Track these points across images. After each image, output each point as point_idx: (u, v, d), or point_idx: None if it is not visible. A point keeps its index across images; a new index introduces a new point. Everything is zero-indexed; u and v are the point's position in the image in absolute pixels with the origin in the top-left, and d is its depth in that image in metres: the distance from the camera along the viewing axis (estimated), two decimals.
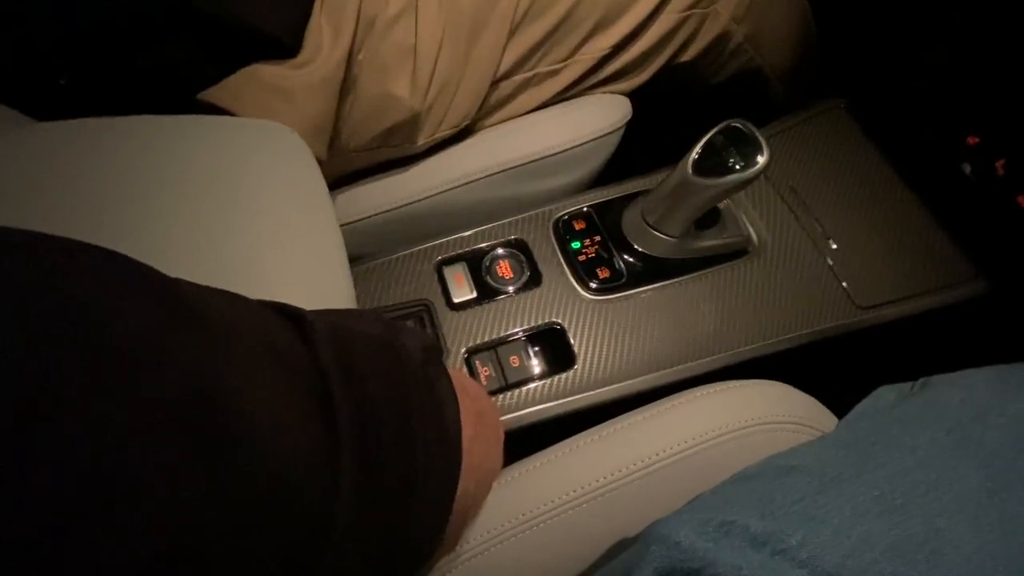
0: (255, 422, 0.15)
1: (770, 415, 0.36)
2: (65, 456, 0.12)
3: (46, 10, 0.30)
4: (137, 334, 0.14)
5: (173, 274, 0.17)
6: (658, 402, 0.37)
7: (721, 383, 0.37)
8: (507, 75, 0.45)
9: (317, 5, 0.37)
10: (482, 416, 0.28)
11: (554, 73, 0.47)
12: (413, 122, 0.42)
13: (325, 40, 0.37)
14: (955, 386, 0.33)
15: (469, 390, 0.27)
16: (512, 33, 0.43)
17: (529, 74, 0.46)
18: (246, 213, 0.27)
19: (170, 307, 0.16)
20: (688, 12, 0.48)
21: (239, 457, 0.15)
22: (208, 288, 0.19)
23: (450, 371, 0.27)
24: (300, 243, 0.28)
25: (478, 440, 0.26)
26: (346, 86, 0.39)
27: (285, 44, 0.36)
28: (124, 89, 0.34)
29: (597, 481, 0.33)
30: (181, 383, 0.14)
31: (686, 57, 0.51)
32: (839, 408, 0.37)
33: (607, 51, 0.47)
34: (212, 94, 0.36)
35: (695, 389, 0.37)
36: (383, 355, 0.21)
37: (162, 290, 0.16)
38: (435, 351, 0.25)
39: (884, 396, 0.35)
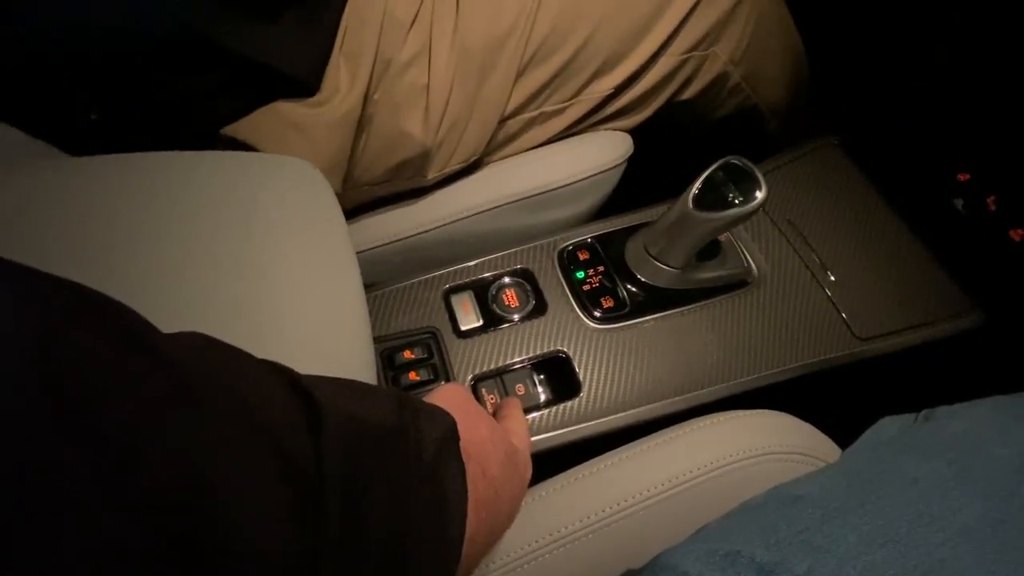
0: (238, 523, 0.15)
1: (774, 445, 0.36)
2: (48, 552, 0.12)
3: (77, 49, 0.32)
4: (133, 419, 0.14)
5: (196, 307, 0.17)
6: (662, 432, 0.37)
7: (724, 413, 0.38)
8: (514, 114, 0.47)
9: (336, 47, 0.39)
10: (512, 456, 0.28)
11: (559, 112, 0.49)
12: (424, 157, 0.44)
13: (343, 81, 0.40)
14: (956, 417, 0.33)
15: (494, 451, 0.27)
16: (519, 75, 0.45)
17: (535, 113, 0.48)
18: (268, 244, 0.28)
19: (173, 382, 0.15)
20: (688, 55, 0.51)
21: (217, 559, 0.15)
22: (218, 356, 0.18)
23: (477, 424, 0.27)
24: (320, 273, 0.29)
25: (486, 517, 0.26)
26: (361, 124, 0.41)
27: (306, 84, 0.38)
28: (151, 123, 0.36)
29: (603, 511, 0.33)
30: (169, 474, 0.14)
31: (686, 96, 0.54)
32: (840, 437, 0.37)
33: (610, 91, 0.49)
34: (235, 129, 0.38)
35: (699, 419, 0.38)
36: (390, 450, 0.21)
37: (166, 364, 0.16)
38: (451, 437, 0.24)
39: (887, 427, 0.35)
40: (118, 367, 0.15)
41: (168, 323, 0.18)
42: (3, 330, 0.13)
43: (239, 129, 0.38)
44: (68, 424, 0.13)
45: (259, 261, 0.27)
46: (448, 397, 0.28)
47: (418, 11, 0.41)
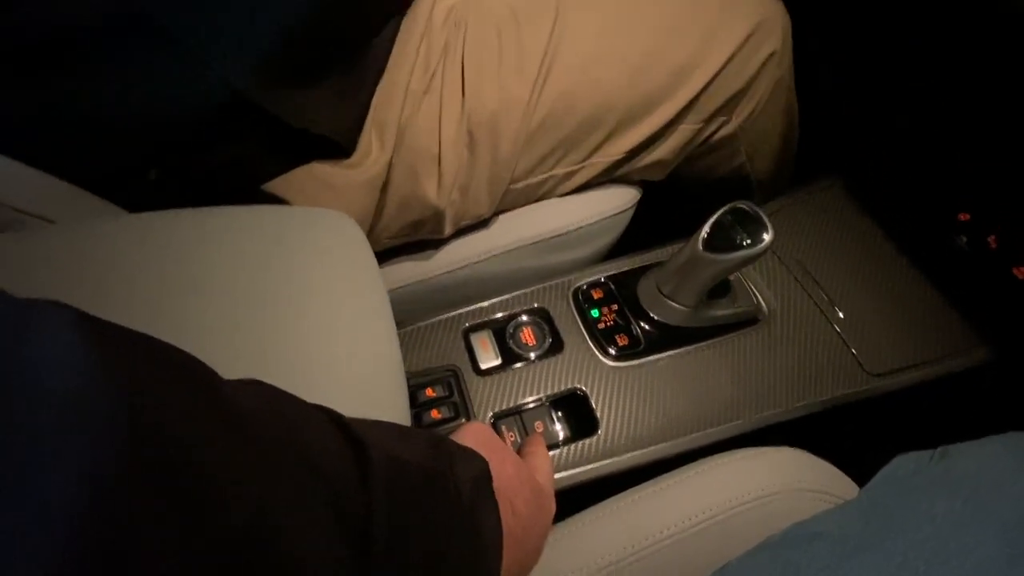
0: (302, 566, 0.16)
1: (791, 483, 0.37)
2: None
3: (142, 116, 0.35)
4: (209, 470, 0.15)
5: (247, 353, 0.18)
6: (679, 470, 0.38)
7: (741, 450, 0.39)
8: (524, 176, 0.49)
9: (369, 116, 0.43)
10: (537, 493, 0.29)
11: (569, 175, 0.50)
12: (439, 217, 0.47)
13: (374, 146, 0.43)
14: (972, 455, 0.34)
15: (521, 489, 0.28)
16: (528, 141, 0.47)
17: (545, 176, 0.49)
18: (311, 291, 0.30)
19: (241, 437, 0.17)
20: (703, 123, 0.51)
21: None
22: (277, 403, 0.20)
23: (504, 463, 0.28)
24: (358, 318, 0.31)
25: (516, 553, 0.27)
26: (384, 185, 0.44)
27: (342, 147, 0.42)
28: (202, 182, 0.39)
29: (623, 550, 0.33)
30: (241, 519, 0.15)
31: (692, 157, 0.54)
32: (856, 472, 0.38)
33: (620, 156, 0.50)
34: (274, 186, 0.41)
35: (715, 457, 0.38)
36: (431, 494, 0.22)
37: (234, 417, 0.17)
38: (484, 478, 0.25)
39: (904, 464, 0.36)
40: (196, 420, 0.16)
41: (224, 370, 0.20)
42: (97, 386, 0.14)
43: (278, 186, 0.41)
44: (155, 478, 0.14)
45: (302, 307, 0.29)
46: (475, 436, 0.29)
47: (430, 83, 0.44)
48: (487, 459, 0.27)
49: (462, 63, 0.45)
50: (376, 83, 0.43)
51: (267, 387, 0.21)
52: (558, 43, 0.46)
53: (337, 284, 0.31)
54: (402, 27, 0.44)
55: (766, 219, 0.42)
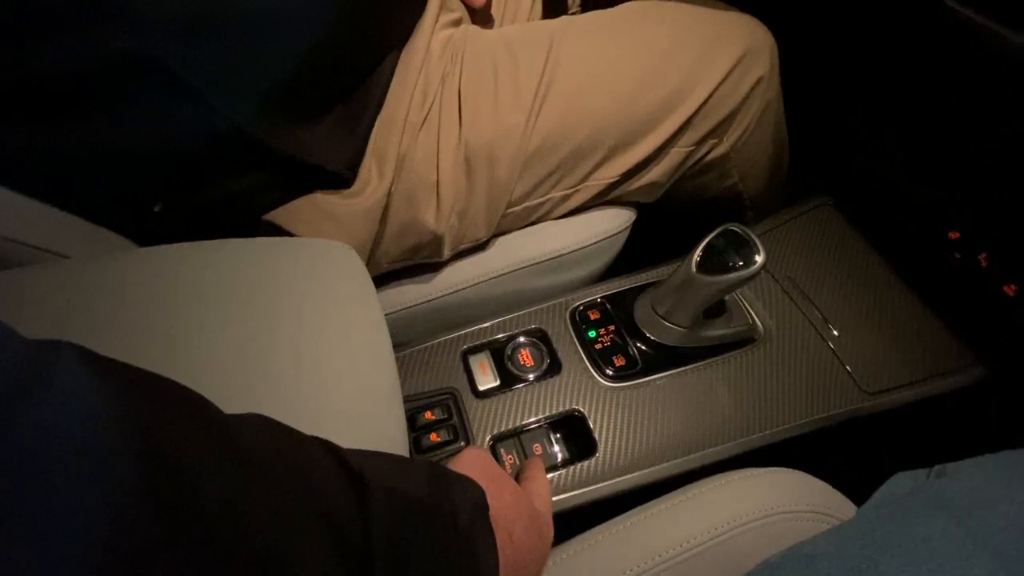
0: None
1: (789, 504, 0.37)
2: None
3: (150, 153, 0.36)
4: (219, 508, 0.16)
5: (248, 387, 0.19)
6: (677, 492, 0.38)
7: (739, 471, 0.39)
8: (520, 200, 0.50)
9: (369, 147, 0.44)
10: (535, 520, 0.29)
11: (565, 198, 0.51)
12: (437, 242, 0.48)
13: (373, 175, 0.44)
14: (966, 474, 0.34)
15: (518, 516, 0.28)
16: (524, 166, 0.48)
17: (542, 199, 0.51)
18: (312, 322, 0.31)
19: (249, 475, 0.18)
20: (696, 146, 0.52)
21: None
22: (279, 437, 0.21)
23: (502, 490, 0.28)
24: (357, 348, 0.32)
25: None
26: (384, 213, 0.45)
27: (343, 178, 0.43)
28: (208, 213, 0.40)
29: (622, 574, 0.33)
30: (250, 546, 0.16)
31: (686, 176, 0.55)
32: (853, 490, 0.38)
33: (614, 179, 0.51)
34: (275, 216, 0.42)
35: (713, 478, 0.39)
36: (430, 525, 0.23)
37: (241, 449, 0.18)
38: (482, 507, 0.26)
39: (900, 484, 0.36)
40: (204, 454, 0.17)
41: (227, 399, 0.20)
42: (116, 424, 0.15)
43: (280, 216, 0.42)
44: (167, 506, 0.15)
45: (302, 338, 0.29)
46: (472, 464, 0.30)
47: (427, 113, 0.45)
48: (485, 487, 0.27)
49: (459, 93, 0.46)
50: (376, 115, 0.44)
51: (269, 422, 0.21)
52: (552, 73, 0.48)
53: (336, 315, 0.32)
54: (400, 60, 0.45)
55: (757, 241, 0.43)
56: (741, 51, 0.50)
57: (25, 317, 0.15)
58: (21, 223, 0.32)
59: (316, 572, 0.18)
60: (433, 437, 0.45)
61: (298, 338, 0.30)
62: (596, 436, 0.44)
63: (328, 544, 0.18)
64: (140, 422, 0.16)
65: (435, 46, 0.47)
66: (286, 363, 0.30)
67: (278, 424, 0.21)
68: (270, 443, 0.20)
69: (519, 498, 0.30)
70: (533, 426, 0.45)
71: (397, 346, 0.51)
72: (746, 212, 0.62)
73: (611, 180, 0.51)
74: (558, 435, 0.45)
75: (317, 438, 0.22)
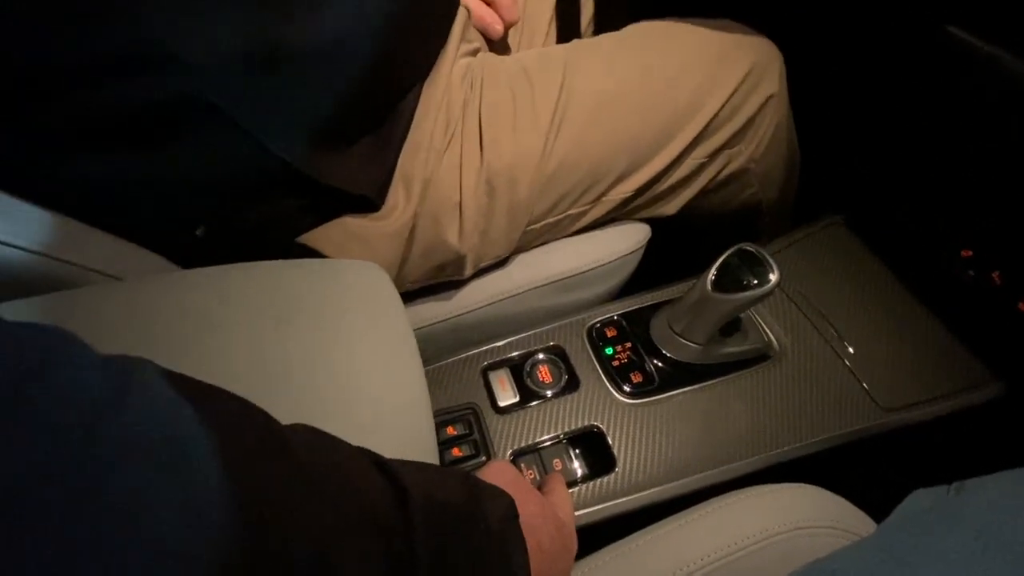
0: None
1: (809, 519, 0.37)
2: None
3: (197, 184, 0.39)
4: (281, 510, 0.18)
5: (292, 400, 0.21)
6: (696, 508, 0.39)
7: (757, 487, 0.39)
8: (540, 218, 0.52)
9: (396, 172, 0.46)
10: (560, 530, 0.30)
11: (582, 214, 0.53)
12: (460, 260, 0.50)
13: (400, 199, 0.46)
14: (985, 490, 0.35)
15: (544, 525, 0.29)
16: (544, 187, 0.50)
17: (561, 216, 0.52)
18: (347, 339, 0.33)
19: (303, 476, 0.19)
20: (711, 157, 0.54)
21: None
22: (326, 447, 0.22)
23: (528, 500, 0.29)
24: (389, 362, 0.34)
25: None
26: (409, 234, 0.47)
27: (372, 202, 0.45)
28: (245, 236, 0.42)
29: None
30: (306, 554, 0.18)
31: (708, 189, 0.57)
32: (871, 507, 0.38)
33: (631, 194, 0.53)
34: (307, 238, 0.44)
35: (731, 494, 0.39)
36: (467, 531, 0.24)
37: (297, 458, 0.20)
38: (513, 515, 0.27)
39: (919, 500, 0.36)
40: (265, 464, 0.18)
41: (273, 411, 0.21)
42: (192, 434, 0.17)
43: (312, 238, 0.44)
44: (243, 514, 0.17)
45: (339, 353, 0.31)
46: (500, 475, 0.31)
47: (450, 139, 0.47)
48: (513, 497, 0.28)
49: (479, 119, 0.48)
50: (403, 142, 0.46)
51: (317, 432, 0.23)
52: (568, 96, 0.50)
53: (370, 331, 0.34)
54: (424, 89, 0.47)
55: (771, 260, 0.44)
56: (748, 66, 0.52)
57: (88, 334, 0.17)
58: (78, 247, 0.35)
59: (362, 566, 0.19)
60: (455, 452, 0.46)
61: (334, 352, 0.31)
62: (615, 452, 0.45)
63: (375, 550, 0.20)
64: (214, 434, 0.17)
65: (455, 75, 0.49)
66: (326, 378, 0.31)
67: (324, 434, 0.23)
68: (321, 455, 0.21)
69: (544, 508, 0.31)
70: (552, 442, 0.46)
71: (422, 362, 0.52)
72: (762, 224, 0.63)
73: (628, 195, 0.53)
74: (577, 451, 0.46)
75: (360, 448, 0.23)
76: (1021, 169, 0.47)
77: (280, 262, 0.36)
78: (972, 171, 0.52)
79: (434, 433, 0.34)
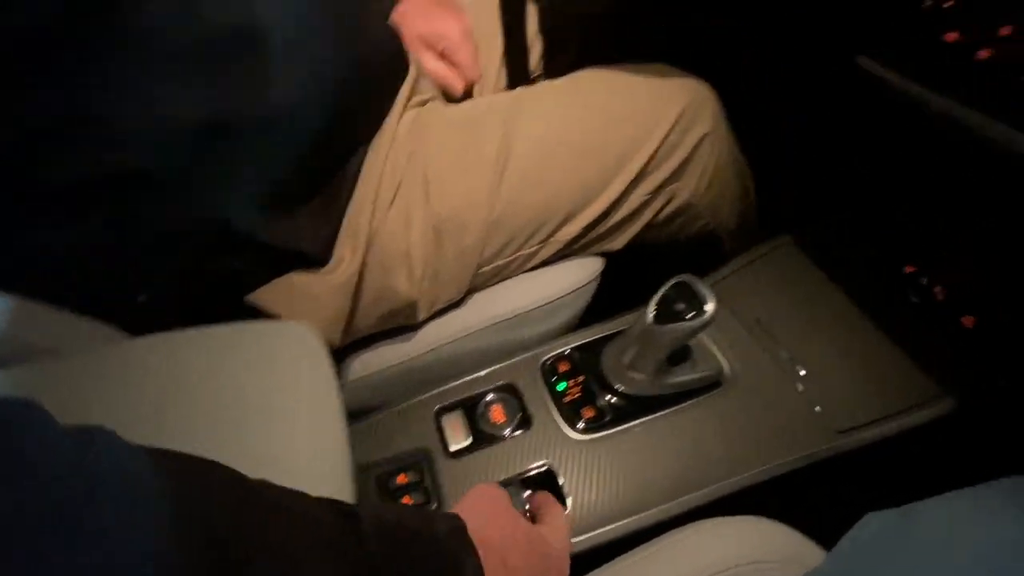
0: None
1: (758, 554, 0.37)
2: None
3: (140, 247, 0.39)
4: (248, 536, 0.21)
5: (228, 458, 0.23)
6: (645, 545, 0.38)
7: (706, 521, 0.39)
8: (490, 260, 0.53)
9: (343, 227, 0.47)
10: (535, 551, 0.32)
11: (533, 255, 0.54)
12: (411, 306, 0.50)
13: (346, 253, 0.47)
14: (935, 513, 0.34)
15: (515, 544, 0.31)
16: (490, 231, 0.51)
17: (510, 258, 0.53)
18: (271, 402, 0.34)
19: (274, 513, 0.23)
20: (652, 194, 0.56)
21: None
22: (284, 489, 0.25)
23: (497, 516, 0.32)
24: (309, 422, 0.34)
25: None
26: (358, 285, 0.48)
27: (319, 258, 0.46)
28: (190, 299, 0.43)
29: None
30: (276, 568, 0.21)
31: (653, 224, 0.58)
32: (826, 532, 0.38)
33: (578, 232, 0.54)
34: (255, 296, 0.45)
35: (681, 530, 0.39)
36: (416, 542, 0.27)
37: (269, 499, 0.23)
38: (460, 529, 0.29)
39: (869, 525, 0.36)
40: (224, 491, 0.22)
41: None
42: (158, 485, 0.19)
43: (259, 296, 0.45)
44: (204, 548, 0.19)
45: (262, 417, 0.32)
46: (480, 494, 0.33)
47: (396, 190, 0.49)
48: (484, 512, 0.31)
49: (424, 169, 0.49)
50: (349, 198, 0.47)
51: (263, 482, 0.25)
52: (511, 142, 0.51)
53: (291, 395, 0.35)
54: (371, 145, 0.49)
55: (708, 291, 0.44)
56: (681, 107, 0.54)
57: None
58: (13, 322, 0.35)
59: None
60: (406, 500, 0.45)
61: (258, 416, 0.32)
62: (565, 492, 0.45)
63: (332, 567, 0.23)
64: (173, 470, 0.20)
65: (402, 128, 0.50)
66: (250, 440, 0.32)
67: (270, 484, 0.25)
68: (271, 487, 0.25)
69: (517, 528, 0.32)
70: (506, 485, 0.46)
71: (373, 409, 0.52)
72: (726, 248, 0.64)
73: (575, 234, 0.54)
74: (530, 492, 0.45)
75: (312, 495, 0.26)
76: (950, 185, 0.48)
77: (214, 328, 0.37)
78: (906, 189, 0.53)
79: (352, 483, 0.35)
